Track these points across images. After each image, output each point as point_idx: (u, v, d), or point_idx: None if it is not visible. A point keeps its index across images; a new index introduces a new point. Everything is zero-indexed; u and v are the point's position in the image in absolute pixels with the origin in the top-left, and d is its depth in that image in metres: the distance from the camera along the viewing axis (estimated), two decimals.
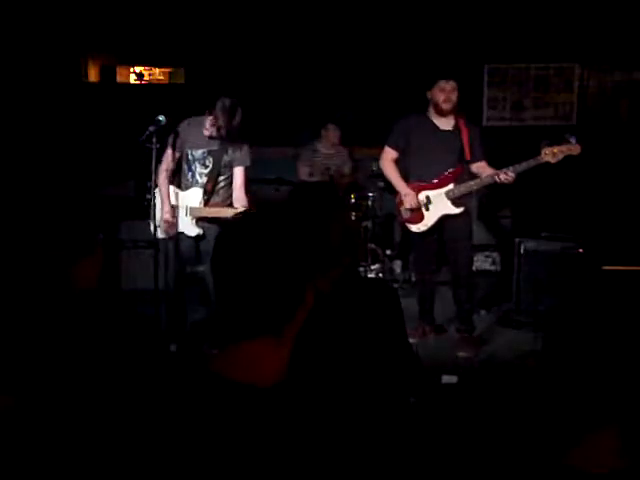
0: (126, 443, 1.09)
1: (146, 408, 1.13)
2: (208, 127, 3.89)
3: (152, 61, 7.15)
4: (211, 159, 3.96)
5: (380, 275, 5.88)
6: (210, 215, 3.94)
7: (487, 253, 6.50)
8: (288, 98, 6.98)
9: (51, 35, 6.40)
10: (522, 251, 4.83)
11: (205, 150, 3.96)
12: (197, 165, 4.00)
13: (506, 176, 3.99)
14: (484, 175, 4.15)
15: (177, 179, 4.11)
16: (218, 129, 3.83)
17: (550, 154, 3.92)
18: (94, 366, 1.48)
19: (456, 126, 4.20)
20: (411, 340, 4.45)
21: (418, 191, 4.26)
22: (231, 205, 4.03)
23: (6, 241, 1.59)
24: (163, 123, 3.84)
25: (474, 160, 4.21)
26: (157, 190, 4.03)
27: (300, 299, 1.16)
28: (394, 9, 6.71)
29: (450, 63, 6.57)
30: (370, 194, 5.90)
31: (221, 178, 4.05)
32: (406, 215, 4.32)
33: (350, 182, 6.40)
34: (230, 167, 4.05)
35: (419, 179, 4.28)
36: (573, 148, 3.93)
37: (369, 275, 5.88)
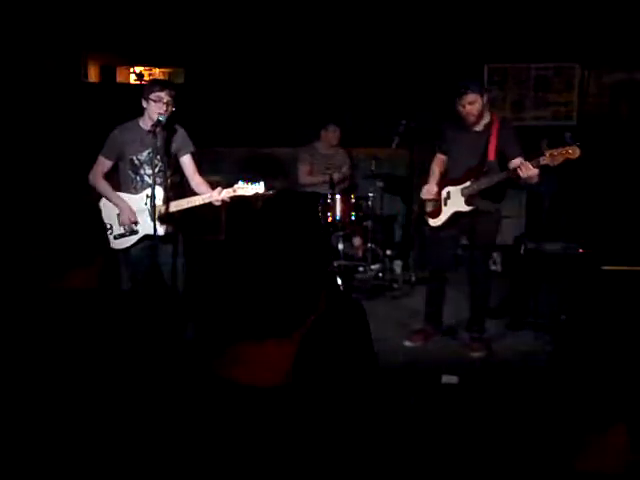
0: (129, 441, 1.09)
1: (151, 407, 1.13)
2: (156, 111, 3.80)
3: (152, 61, 7.15)
4: (159, 157, 3.89)
5: (380, 275, 5.88)
6: (190, 205, 3.87)
7: None
8: (288, 98, 6.98)
9: (51, 35, 6.40)
10: (522, 251, 4.82)
11: (150, 150, 3.89)
12: (145, 167, 3.95)
13: (527, 169, 3.85)
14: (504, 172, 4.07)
15: (116, 186, 4.05)
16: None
17: (549, 157, 3.84)
18: (95, 366, 1.48)
19: (488, 126, 4.20)
20: (412, 344, 4.46)
21: (443, 187, 4.35)
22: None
23: (3, 242, 1.59)
24: (163, 122, 3.84)
25: (507, 158, 4.13)
26: (102, 200, 4.02)
27: (313, 305, 1.16)
28: (394, 9, 6.71)
29: (450, 63, 6.58)
30: (370, 194, 5.90)
31: (170, 172, 4.01)
32: (429, 208, 4.42)
33: (349, 183, 6.40)
34: (176, 159, 4.02)
35: (449, 177, 4.36)
36: (571, 151, 3.84)
37: (369, 274, 5.88)
